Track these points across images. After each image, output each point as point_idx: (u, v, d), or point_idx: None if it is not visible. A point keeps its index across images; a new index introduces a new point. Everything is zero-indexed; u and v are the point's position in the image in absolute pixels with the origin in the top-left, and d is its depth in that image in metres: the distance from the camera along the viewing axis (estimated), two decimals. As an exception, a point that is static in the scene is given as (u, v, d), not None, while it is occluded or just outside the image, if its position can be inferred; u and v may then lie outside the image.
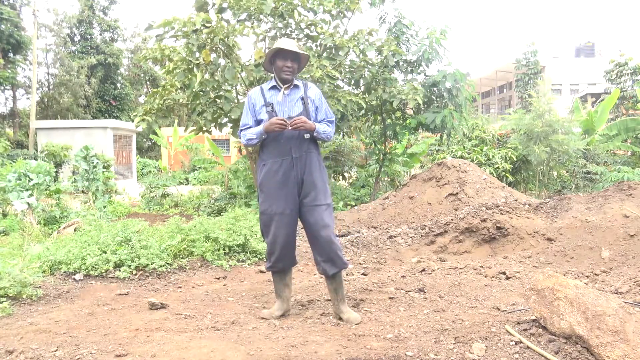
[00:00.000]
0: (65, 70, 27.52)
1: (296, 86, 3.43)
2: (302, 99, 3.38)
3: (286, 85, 3.40)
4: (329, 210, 3.35)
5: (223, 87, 8.39)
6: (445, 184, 6.97)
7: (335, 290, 3.38)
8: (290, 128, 3.21)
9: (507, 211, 6.01)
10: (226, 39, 7.45)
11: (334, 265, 3.32)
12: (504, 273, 4.43)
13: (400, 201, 7.00)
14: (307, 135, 3.31)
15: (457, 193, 6.75)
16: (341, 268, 3.37)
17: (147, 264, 4.50)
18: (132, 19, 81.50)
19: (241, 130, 3.46)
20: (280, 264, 3.41)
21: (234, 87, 8.71)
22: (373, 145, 10.36)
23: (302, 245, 5.31)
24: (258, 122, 3.39)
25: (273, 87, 3.43)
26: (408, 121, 9.23)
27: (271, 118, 3.28)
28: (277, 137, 3.30)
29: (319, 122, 3.42)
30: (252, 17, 8.14)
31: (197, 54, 7.72)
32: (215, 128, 8.96)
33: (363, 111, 9.10)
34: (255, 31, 7.99)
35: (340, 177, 12.35)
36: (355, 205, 9.17)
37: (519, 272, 4.46)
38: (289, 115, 3.32)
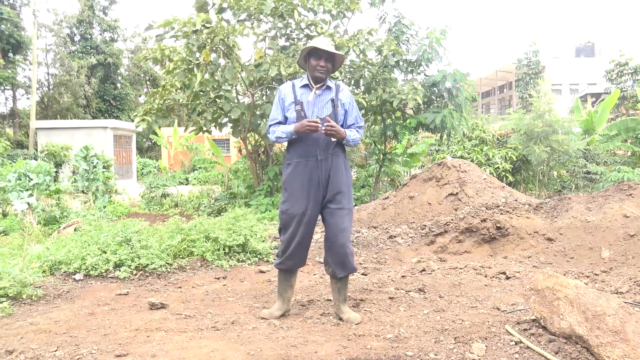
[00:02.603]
0: (65, 70, 27.53)
1: (328, 87, 3.40)
2: (333, 100, 3.35)
3: (318, 85, 3.37)
4: (349, 214, 3.34)
5: (223, 87, 8.41)
6: (445, 184, 6.97)
7: (339, 290, 3.38)
8: (322, 132, 3.18)
9: (507, 211, 6.00)
10: (226, 39, 7.46)
11: (343, 268, 3.33)
12: (504, 273, 4.43)
13: (400, 201, 7.00)
14: (334, 139, 3.28)
15: (457, 193, 6.75)
16: (350, 272, 3.38)
17: (147, 264, 4.49)
18: (132, 19, 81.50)
19: (270, 125, 3.43)
20: (290, 262, 3.40)
21: (234, 87, 8.72)
22: (373, 145, 10.36)
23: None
24: (286, 118, 3.38)
25: (305, 86, 3.40)
26: (408, 121, 9.24)
27: (299, 117, 3.26)
28: (303, 138, 3.28)
29: (349, 126, 3.41)
30: (252, 17, 8.15)
31: (197, 54, 7.73)
32: (215, 128, 8.97)
33: (363, 111, 9.10)
34: (255, 31, 8.00)
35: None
36: (355, 205, 9.16)
37: (519, 272, 4.46)
38: (318, 116, 3.29)
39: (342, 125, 3.37)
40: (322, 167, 3.27)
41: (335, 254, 3.31)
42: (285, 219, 3.37)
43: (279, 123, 3.40)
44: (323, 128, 3.18)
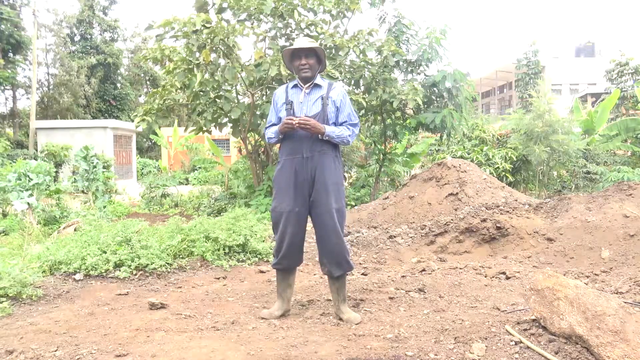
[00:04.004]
0: (65, 70, 27.52)
1: (318, 85, 3.41)
2: (322, 98, 3.36)
3: (307, 84, 3.39)
4: (339, 213, 3.32)
5: (223, 87, 8.40)
6: (445, 184, 6.97)
7: (338, 290, 3.38)
8: (295, 125, 3.20)
9: (507, 211, 6.00)
10: (226, 39, 7.46)
11: (339, 268, 3.32)
12: (504, 273, 4.43)
13: (400, 201, 7.00)
14: (320, 136, 3.28)
15: (457, 193, 6.75)
16: (346, 271, 3.38)
17: (147, 264, 4.49)
18: (132, 19, 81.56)
19: (266, 127, 3.55)
20: (286, 262, 3.40)
21: (234, 87, 8.72)
22: (373, 145, 10.36)
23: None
24: (280, 119, 3.42)
25: (295, 86, 3.45)
26: (408, 121, 9.24)
27: (289, 116, 3.30)
28: (291, 136, 3.31)
29: (341, 124, 3.38)
30: (252, 17, 8.14)
31: (197, 54, 7.72)
32: (215, 128, 8.97)
33: (363, 111, 9.10)
34: (255, 31, 7.99)
35: (341, 177, 12.32)
36: (355, 205, 9.17)
37: (519, 272, 4.46)
38: (306, 115, 3.31)
39: (334, 123, 3.37)
40: (307, 164, 3.28)
41: (329, 253, 3.31)
42: (274, 217, 3.39)
43: (274, 125, 3.46)
44: (296, 122, 3.19)
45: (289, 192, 3.30)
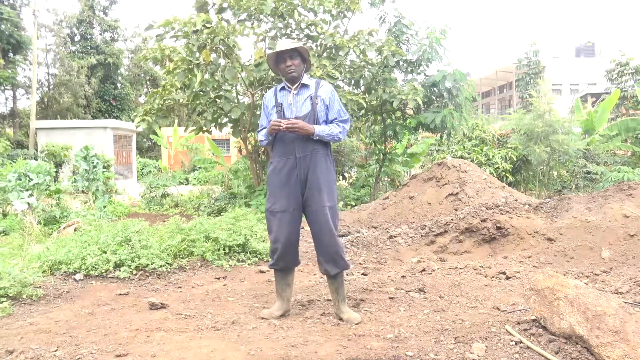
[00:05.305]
0: (65, 70, 27.52)
1: (305, 85, 3.42)
2: (311, 98, 3.36)
3: (295, 85, 3.40)
4: (332, 211, 3.33)
5: (223, 87, 8.40)
6: (445, 184, 6.97)
7: (336, 290, 3.38)
8: (283, 128, 3.21)
9: (507, 211, 6.00)
10: (226, 39, 7.46)
11: (336, 265, 3.33)
12: (504, 273, 4.43)
13: (400, 201, 7.00)
14: (311, 136, 3.30)
15: (457, 193, 6.75)
16: (343, 269, 3.38)
17: (147, 264, 4.49)
18: (132, 19, 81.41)
19: (258, 131, 3.58)
20: (282, 263, 3.41)
21: (234, 87, 8.72)
22: (373, 145, 10.36)
23: (302, 245, 5.30)
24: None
25: (283, 88, 3.46)
26: (408, 121, 9.24)
27: (280, 118, 3.32)
28: (283, 137, 3.32)
29: (331, 121, 3.40)
30: (252, 17, 8.14)
31: (197, 54, 7.72)
32: (215, 128, 8.97)
33: (363, 111, 9.10)
34: (255, 31, 7.99)
35: (340, 177, 12.36)
36: (355, 205, 9.17)
37: (519, 272, 4.46)
38: (296, 116, 3.32)
39: (324, 121, 3.38)
40: (300, 165, 3.29)
41: (325, 252, 3.32)
42: (269, 218, 3.41)
43: (265, 128, 3.47)
44: (284, 126, 3.20)
45: (282, 193, 3.32)
